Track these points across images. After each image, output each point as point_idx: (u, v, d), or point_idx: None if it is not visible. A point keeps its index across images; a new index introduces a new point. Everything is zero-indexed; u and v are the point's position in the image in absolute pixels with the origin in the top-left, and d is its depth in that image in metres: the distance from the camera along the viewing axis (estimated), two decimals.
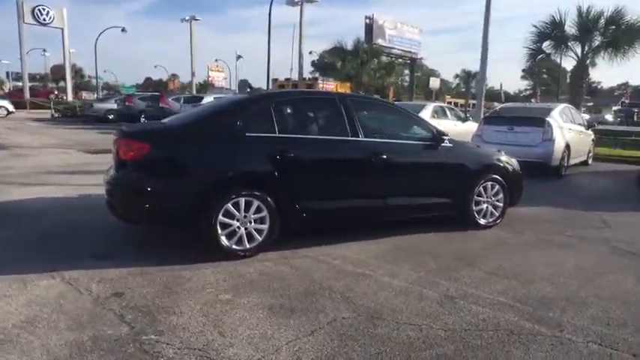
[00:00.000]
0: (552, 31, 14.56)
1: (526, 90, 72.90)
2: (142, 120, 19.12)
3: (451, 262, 3.87)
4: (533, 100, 47.50)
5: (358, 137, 4.18)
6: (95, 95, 36.61)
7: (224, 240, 3.68)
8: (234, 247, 3.72)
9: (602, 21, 14.20)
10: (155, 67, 63.72)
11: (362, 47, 25.32)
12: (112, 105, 21.48)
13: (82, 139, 14.38)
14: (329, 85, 47.01)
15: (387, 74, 27.07)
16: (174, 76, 72.02)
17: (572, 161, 9.23)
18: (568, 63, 20.16)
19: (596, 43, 14.45)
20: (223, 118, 3.87)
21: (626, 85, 70.11)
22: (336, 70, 26.18)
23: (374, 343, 2.52)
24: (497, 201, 4.94)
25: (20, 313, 2.76)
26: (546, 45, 15.10)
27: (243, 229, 3.73)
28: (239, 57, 42.96)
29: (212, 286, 3.24)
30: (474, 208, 4.79)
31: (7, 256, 3.74)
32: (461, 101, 47.75)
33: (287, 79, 44.74)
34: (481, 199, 4.84)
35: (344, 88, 38.22)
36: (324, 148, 4.06)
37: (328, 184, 4.09)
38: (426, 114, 10.54)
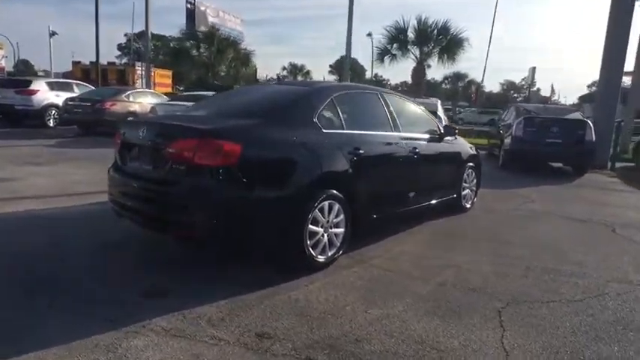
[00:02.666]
0: (398, 35, 16.83)
1: None
2: None
3: (492, 242, 4.30)
4: None
5: (400, 132, 4.21)
6: None
7: (310, 250, 3.26)
8: (318, 257, 3.33)
9: (435, 31, 17.15)
10: None
11: (218, 35, 23.76)
12: None
13: None
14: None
15: (242, 65, 26.16)
16: None
17: None
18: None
19: (430, 48, 17.41)
20: (302, 113, 3.35)
21: (405, 83, 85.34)
22: (189, 57, 23.89)
23: (564, 323, 2.69)
24: (474, 186, 5.62)
25: None
26: (395, 47, 17.36)
27: (326, 235, 3.37)
28: (53, 33, 34.07)
29: (341, 303, 2.86)
30: (462, 193, 5.36)
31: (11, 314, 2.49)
32: None
33: (92, 62, 38.97)
34: (465, 184, 5.43)
35: (164, 76, 35.36)
36: (384, 144, 3.94)
37: (389, 180, 4.00)
38: None
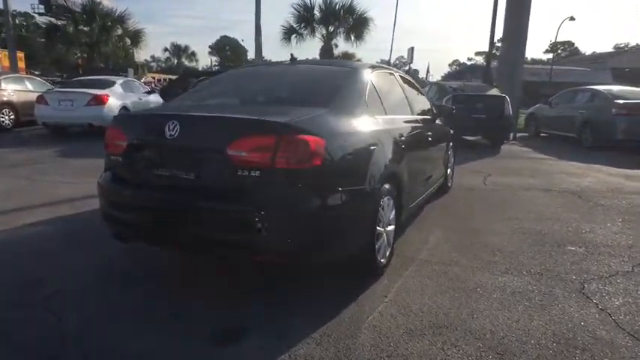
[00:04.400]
0: (305, 14, 16.39)
1: (214, 65, 77.87)
2: None
3: (503, 221, 4.32)
4: None
5: (416, 114, 3.95)
6: None
7: (376, 254, 2.86)
8: (381, 259, 2.95)
9: (342, 10, 17.07)
10: None
11: (100, 10, 20.03)
12: None
13: None
14: None
15: (133, 44, 22.67)
16: None
17: None
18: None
19: (337, 27, 17.33)
20: (355, 97, 2.83)
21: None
22: (66, 36, 19.78)
23: None
24: (452, 165, 5.66)
25: None
26: (302, 26, 16.87)
27: (385, 235, 2.99)
28: None
29: (440, 312, 2.54)
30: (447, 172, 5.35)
31: None
32: (171, 77, 46.59)
33: None
34: (449, 164, 5.43)
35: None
36: (413, 127, 3.62)
37: (419, 166, 3.71)
38: (117, 89, 10.68)
